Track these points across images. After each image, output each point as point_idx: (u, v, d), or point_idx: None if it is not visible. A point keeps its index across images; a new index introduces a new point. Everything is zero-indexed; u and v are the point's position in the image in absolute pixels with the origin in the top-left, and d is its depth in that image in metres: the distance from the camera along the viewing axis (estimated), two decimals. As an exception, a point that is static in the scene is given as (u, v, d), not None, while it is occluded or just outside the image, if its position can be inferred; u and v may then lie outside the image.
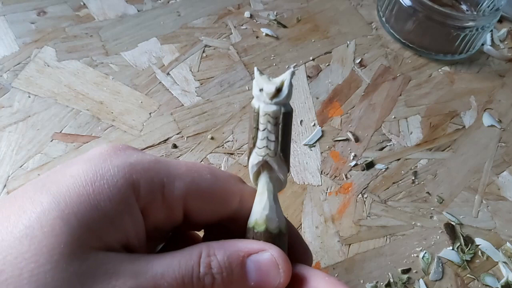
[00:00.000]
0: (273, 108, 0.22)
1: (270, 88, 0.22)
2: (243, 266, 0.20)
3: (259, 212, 0.23)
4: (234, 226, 0.24)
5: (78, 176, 0.19)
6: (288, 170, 0.24)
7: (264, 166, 0.23)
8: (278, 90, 0.22)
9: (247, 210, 0.24)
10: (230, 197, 0.24)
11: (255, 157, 0.23)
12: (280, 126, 0.22)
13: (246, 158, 0.24)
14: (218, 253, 0.20)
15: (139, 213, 0.21)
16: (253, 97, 0.23)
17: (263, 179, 0.23)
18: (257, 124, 0.22)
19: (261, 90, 0.22)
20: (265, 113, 0.22)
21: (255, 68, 0.23)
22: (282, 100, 0.22)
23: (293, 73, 0.22)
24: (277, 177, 0.23)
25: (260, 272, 0.21)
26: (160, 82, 0.47)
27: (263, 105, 0.22)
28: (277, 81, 0.22)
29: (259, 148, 0.22)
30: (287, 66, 0.50)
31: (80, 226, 0.18)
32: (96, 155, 0.21)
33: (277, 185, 0.24)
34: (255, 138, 0.22)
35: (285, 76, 0.22)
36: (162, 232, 0.24)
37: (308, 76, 0.50)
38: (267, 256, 0.21)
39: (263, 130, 0.22)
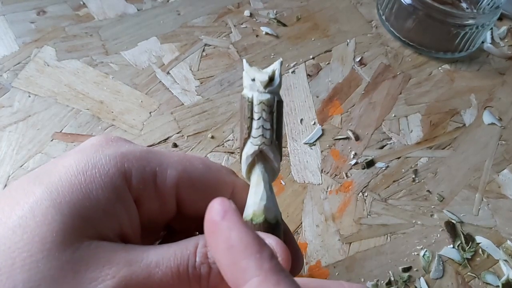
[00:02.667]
0: (267, 96, 0.22)
1: (264, 77, 0.22)
2: None
3: (256, 203, 0.22)
4: None
5: (70, 166, 0.20)
6: (281, 159, 0.24)
7: (258, 157, 0.23)
8: (271, 79, 0.22)
9: (239, 204, 0.23)
10: (222, 187, 0.24)
11: (251, 147, 0.23)
12: (274, 114, 0.22)
13: (239, 151, 0.24)
14: None
15: (132, 202, 0.21)
16: (243, 89, 0.23)
17: (258, 170, 0.23)
18: (251, 114, 0.22)
19: (253, 80, 0.23)
20: (260, 102, 0.22)
21: (244, 60, 0.24)
22: (275, 88, 0.23)
23: (281, 63, 0.23)
24: (271, 167, 0.23)
25: None
26: (160, 81, 0.47)
27: (257, 94, 0.22)
28: (268, 70, 0.23)
29: (255, 138, 0.23)
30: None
31: (72, 215, 0.18)
32: (88, 146, 0.21)
33: (271, 175, 0.24)
34: (250, 128, 0.23)
35: (275, 66, 0.23)
36: (157, 227, 0.24)
37: (308, 75, 0.50)
38: None
39: (258, 119, 0.22)
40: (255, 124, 0.22)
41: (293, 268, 0.23)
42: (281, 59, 0.24)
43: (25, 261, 0.17)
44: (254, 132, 0.22)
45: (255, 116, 0.22)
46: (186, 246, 0.20)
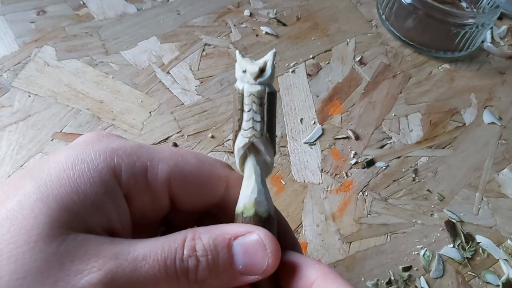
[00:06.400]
0: (258, 88, 0.22)
1: (254, 68, 0.22)
2: (229, 249, 0.20)
3: (247, 196, 0.22)
4: (222, 215, 0.24)
5: (60, 161, 0.20)
6: (275, 153, 0.24)
7: (250, 149, 0.23)
8: (262, 71, 0.22)
9: (234, 197, 0.23)
10: (215, 181, 0.23)
11: (241, 140, 0.22)
12: (265, 106, 0.22)
13: (232, 143, 0.23)
14: (203, 236, 0.20)
15: (121, 196, 0.21)
16: (236, 80, 0.23)
17: (250, 163, 0.23)
18: (242, 106, 0.22)
19: (244, 71, 0.22)
20: (250, 94, 0.22)
21: (237, 51, 0.23)
22: (266, 80, 0.22)
23: (275, 54, 0.23)
24: (264, 160, 0.23)
25: (247, 254, 0.20)
26: (160, 81, 0.47)
27: (247, 85, 0.22)
28: (260, 62, 0.22)
29: (245, 130, 0.22)
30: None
31: (59, 208, 0.18)
32: (80, 142, 0.21)
33: (264, 169, 0.23)
34: (240, 120, 0.22)
35: (267, 57, 0.22)
36: (152, 222, 0.24)
37: (308, 74, 0.50)
38: (254, 238, 0.20)
39: (249, 111, 0.22)
40: (245, 116, 0.22)
41: None
42: (274, 49, 0.23)
43: (11, 252, 0.17)
44: (245, 125, 0.22)
45: (246, 108, 0.22)
46: (174, 239, 0.20)
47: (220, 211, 0.24)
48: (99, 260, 0.18)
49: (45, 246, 0.18)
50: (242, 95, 0.22)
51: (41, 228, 0.18)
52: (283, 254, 0.22)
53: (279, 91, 0.48)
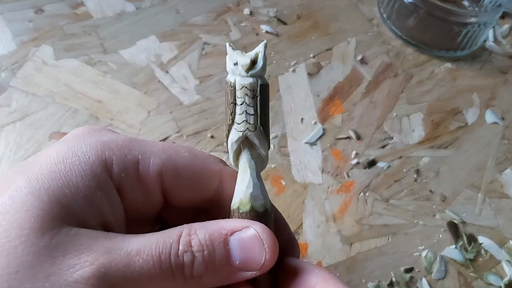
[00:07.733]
0: (250, 80, 0.22)
1: (245, 60, 0.22)
2: (225, 245, 0.20)
3: (243, 191, 0.22)
4: (217, 212, 0.24)
5: (51, 156, 0.20)
6: (269, 146, 0.23)
7: (244, 143, 0.23)
8: (253, 62, 0.22)
9: (228, 192, 0.23)
10: (209, 175, 0.23)
11: (235, 134, 0.22)
12: (258, 99, 0.22)
13: (225, 138, 0.23)
14: (199, 232, 0.20)
15: (114, 190, 0.20)
16: (227, 74, 0.23)
17: (244, 157, 0.23)
18: (235, 99, 0.22)
19: (235, 64, 0.22)
20: (242, 86, 0.22)
21: (227, 43, 0.23)
22: (257, 71, 0.22)
23: (266, 45, 0.22)
24: (258, 154, 0.23)
25: (244, 249, 0.20)
26: (159, 81, 0.47)
27: (239, 78, 0.22)
28: (251, 54, 0.22)
29: (238, 124, 0.22)
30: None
31: (51, 201, 0.18)
32: (71, 136, 0.21)
33: (259, 163, 0.23)
34: (233, 113, 0.22)
35: (259, 49, 0.22)
36: (146, 218, 0.24)
37: (309, 74, 0.50)
38: (251, 233, 0.20)
39: (241, 104, 0.22)
40: (238, 109, 0.22)
41: (289, 256, 0.23)
42: (265, 41, 0.23)
43: (3, 246, 0.17)
44: (238, 118, 0.22)
45: (238, 101, 0.22)
46: (170, 234, 0.19)
47: (214, 208, 0.24)
48: (91, 254, 0.18)
49: (37, 239, 0.17)
50: (234, 88, 0.22)
51: (33, 221, 0.18)
52: (283, 260, 0.21)
53: (279, 90, 0.48)
